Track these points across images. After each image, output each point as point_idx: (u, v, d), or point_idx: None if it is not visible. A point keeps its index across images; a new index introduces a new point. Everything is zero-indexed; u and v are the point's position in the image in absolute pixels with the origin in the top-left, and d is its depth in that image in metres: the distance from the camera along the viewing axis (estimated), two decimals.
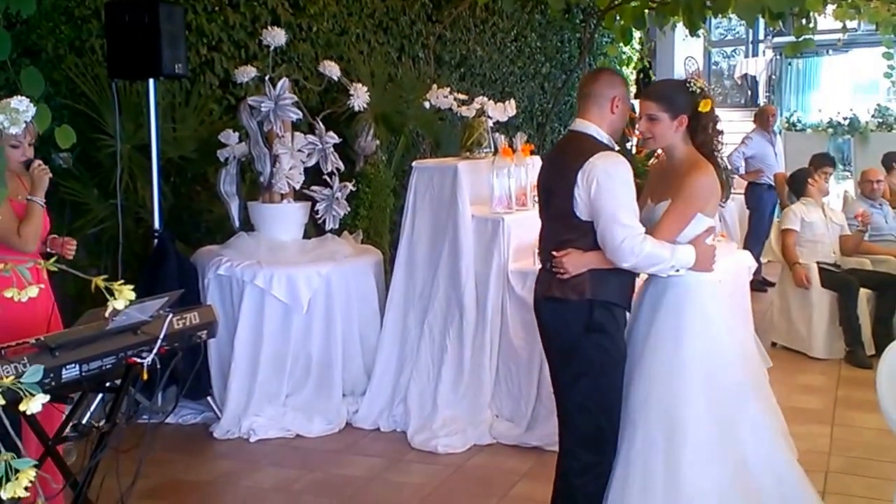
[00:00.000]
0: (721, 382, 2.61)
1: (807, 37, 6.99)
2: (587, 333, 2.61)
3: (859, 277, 5.62)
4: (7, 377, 1.39)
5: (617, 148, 2.74)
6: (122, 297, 1.10)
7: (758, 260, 5.98)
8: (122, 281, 1.14)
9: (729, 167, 6.85)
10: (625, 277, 2.65)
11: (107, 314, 1.22)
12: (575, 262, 2.60)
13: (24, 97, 1.75)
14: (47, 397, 1.12)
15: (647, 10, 7.00)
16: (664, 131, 2.65)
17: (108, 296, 1.11)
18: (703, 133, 2.65)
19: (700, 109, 2.63)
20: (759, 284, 6.30)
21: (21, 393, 1.09)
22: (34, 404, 1.07)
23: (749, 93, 13.84)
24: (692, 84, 2.66)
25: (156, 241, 4.32)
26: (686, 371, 2.59)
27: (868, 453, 3.94)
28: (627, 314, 2.76)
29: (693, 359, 2.60)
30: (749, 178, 7.57)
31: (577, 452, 2.68)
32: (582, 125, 2.69)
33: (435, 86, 5.07)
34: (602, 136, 2.67)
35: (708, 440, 2.56)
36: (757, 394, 2.70)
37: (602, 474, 2.66)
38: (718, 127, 2.71)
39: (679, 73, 12.74)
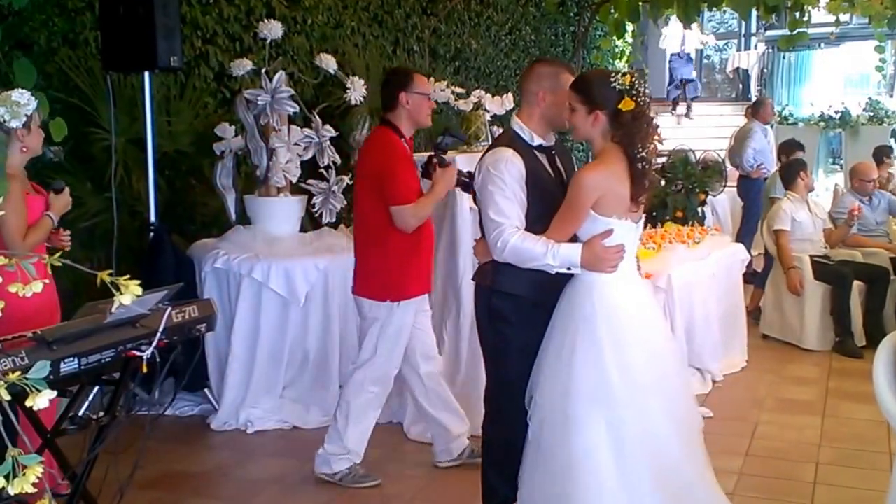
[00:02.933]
0: (609, 377, 2.52)
1: (801, 30, 7.00)
2: (490, 319, 2.73)
3: (851, 269, 5.66)
4: (6, 371, 1.39)
5: (537, 143, 2.69)
6: (129, 291, 1.10)
7: (749, 252, 6.00)
8: (127, 276, 1.14)
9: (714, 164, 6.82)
10: (533, 271, 2.59)
11: (113, 309, 1.22)
12: (480, 251, 2.75)
13: (24, 90, 1.75)
14: (54, 393, 1.12)
15: (641, 3, 7.01)
16: (580, 123, 2.59)
17: (113, 290, 1.11)
18: (620, 131, 2.53)
19: (620, 107, 2.51)
20: (751, 277, 6.32)
21: (28, 389, 1.09)
22: (41, 400, 1.07)
23: (741, 86, 13.82)
24: (616, 80, 2.52)
25: (152, 234, 4.32)
26: (574, 364, 2.54)
27: (859, 444, 3.97)
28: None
29: (577, 353, 2.54)
30: (757, 174, 7.33)
31: (486, 421, 2.87)
32: (510, 121, 2.79)
33: (432, 79, 5.06)
34: (524, 131, 2.71)
35: (574, 429, 2.51)
36: (664, 392, 2.59)
37: (490, 449, 2.82)
38: (651, 129, 2.57)
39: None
